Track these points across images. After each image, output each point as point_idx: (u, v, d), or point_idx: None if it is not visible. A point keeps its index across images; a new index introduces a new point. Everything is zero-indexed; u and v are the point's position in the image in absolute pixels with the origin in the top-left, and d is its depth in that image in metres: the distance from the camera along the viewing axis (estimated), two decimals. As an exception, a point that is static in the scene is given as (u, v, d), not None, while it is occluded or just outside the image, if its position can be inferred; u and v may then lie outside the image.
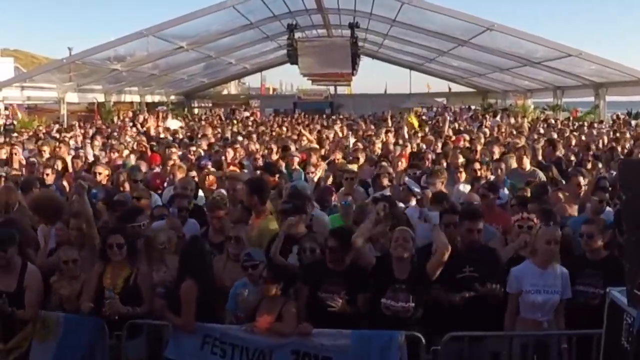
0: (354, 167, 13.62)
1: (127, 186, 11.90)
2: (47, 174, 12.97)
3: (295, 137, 21.55)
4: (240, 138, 21.19)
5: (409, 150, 16.91)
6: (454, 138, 19.97)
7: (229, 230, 8.76)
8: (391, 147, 17.25)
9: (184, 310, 7.31)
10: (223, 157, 15.70)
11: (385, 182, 11.40)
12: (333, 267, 7.61)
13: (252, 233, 8.82)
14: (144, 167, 14.19)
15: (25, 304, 7.62)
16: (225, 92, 69.69)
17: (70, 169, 14.60)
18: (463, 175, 12.47)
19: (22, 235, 8.28)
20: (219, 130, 28.27)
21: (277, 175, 12.12)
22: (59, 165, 14.30)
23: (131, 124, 30.45)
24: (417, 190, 9.68)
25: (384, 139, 19.41)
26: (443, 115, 34.95)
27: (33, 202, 9.85)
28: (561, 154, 15.80)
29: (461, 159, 13.78)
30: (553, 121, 31.42)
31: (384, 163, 13.11)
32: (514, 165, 13.35)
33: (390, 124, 27.58)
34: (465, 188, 11.72)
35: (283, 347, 7.09)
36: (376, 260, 7.61)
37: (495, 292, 7.25)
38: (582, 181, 10.91)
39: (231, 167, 14.26)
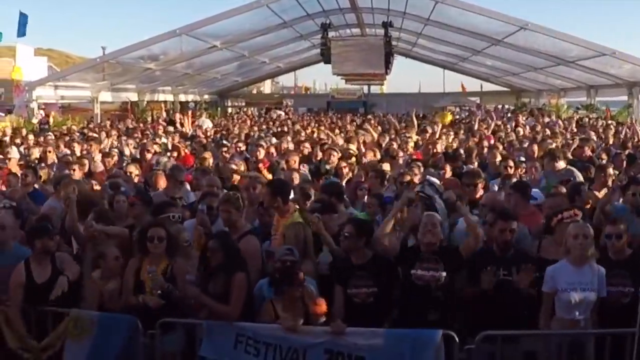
0: (386, 166, 13.57)
1: (161, 184, 11.95)
2: (74, 170, 13.08)
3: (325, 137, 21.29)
4: (274, 139, 20.99)
5: (440, 147, 16.80)
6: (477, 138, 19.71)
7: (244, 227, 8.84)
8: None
9: (234, 300, 7.32)
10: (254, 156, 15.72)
11: (416, 180, 11.31)
12: (357, 262, 7.63)
13: (277, 232, 8.80)
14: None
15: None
16: (255, 91, 69.78)
17: (101, 168, 14.64)
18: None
19: None
20: (255, 128, 28.31)
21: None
22: (86, 164, 14.34)
23: (165, 123, 30.49)
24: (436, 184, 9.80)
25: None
26: (475, 113, 34.73)
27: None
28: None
29: (498, 158, 13.74)
30: (587, 120, 31.06)
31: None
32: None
33: (415, 123, 27.22)
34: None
35: (316, 346, 7.08)
36: (402, 247, 7.70)
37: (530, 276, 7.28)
38: (610, 172, 11.13)
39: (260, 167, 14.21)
